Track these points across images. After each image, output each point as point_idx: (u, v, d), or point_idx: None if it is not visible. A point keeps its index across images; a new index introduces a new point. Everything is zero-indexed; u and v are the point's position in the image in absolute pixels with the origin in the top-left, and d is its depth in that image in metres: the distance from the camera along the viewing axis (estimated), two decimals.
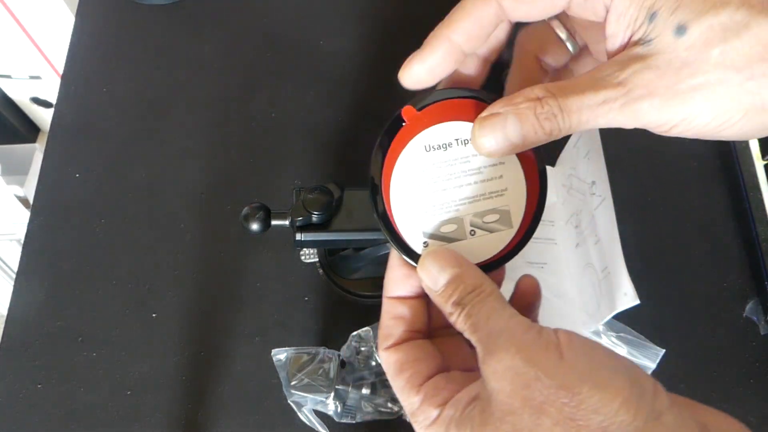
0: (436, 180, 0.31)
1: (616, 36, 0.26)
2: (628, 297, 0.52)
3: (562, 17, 0.31)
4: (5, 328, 0.53)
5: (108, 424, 0.51)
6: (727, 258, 0.58)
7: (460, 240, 0.31)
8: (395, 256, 0.31)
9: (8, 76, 1.27)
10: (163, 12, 0.68)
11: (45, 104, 1.35)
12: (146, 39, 0.67)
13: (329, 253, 0.54)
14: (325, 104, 0.64)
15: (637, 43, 0.26)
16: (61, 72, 0.65)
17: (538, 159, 0.31)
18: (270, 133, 0.62)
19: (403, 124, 0.31)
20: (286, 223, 0.44)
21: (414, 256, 0.30)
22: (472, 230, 0.31)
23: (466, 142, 0.30)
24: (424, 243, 0.31)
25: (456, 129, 0.30)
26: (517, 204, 0.31)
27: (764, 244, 0.56)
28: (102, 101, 0.64)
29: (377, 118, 0.62)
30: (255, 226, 0.43)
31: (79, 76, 0.65)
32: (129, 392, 0.52)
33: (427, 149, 0.30)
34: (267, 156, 0.61)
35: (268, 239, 0.57)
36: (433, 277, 0.29)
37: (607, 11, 0.26)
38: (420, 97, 0.31)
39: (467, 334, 0.27)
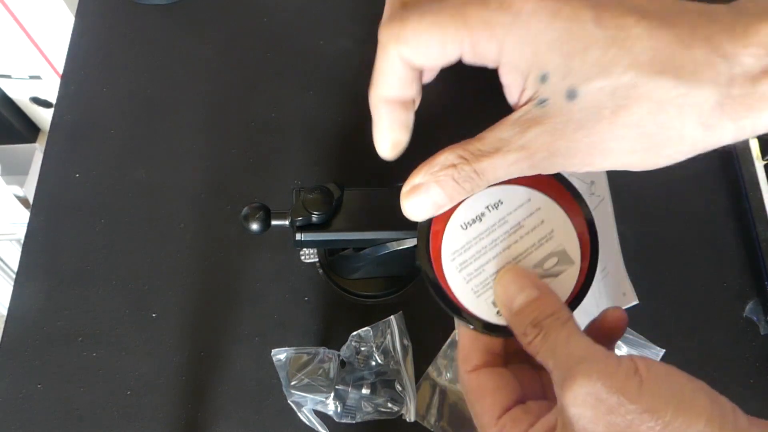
0: (485, 252, 0.31)
1: (510, 87, 0.27)
2: (626, 297, 0.52)
3: None
4: (5, 328, 0.53)
5: (108, 424, 0.51)
6: (727, 258, 0.58)
7: None
8: None
9: (8, 76, 1.27)
10: (163, 12, 0.68)
11: (45, 104, 1.35)
12: (146, 39, 0.67)
13: (329, 253, 0.54)
14: (325, 104, 0.64)
15: (531, 100, 0.26)
16: (61, 72, 0.66)
17: (565, 184, 0.32)
18: (270, 133, 0.62)
19: (432, 219, 0.31)
20: (286, 223, 0.44)
21: (495, 328, 0.31)
22: None
23: (497, 205, 0.31)
24: (497, 312, 0.31)
25: (481, 198, 0.31)
26: (569, 239, 0.32)
27: (764, 244, 0.56)
28: (102, 101, 0.63)
29: None
30: (255, 226, 0.43)
31: (79, 76, 0.65)
32: (129, 392, 0.52)
33: (464, 227, 0.31)
34: (267, 156, 0.61)
35: (268, 239, 0.57)
36: (511, 296, 0.29)
37: (498, 66, 0.27)
38: None
39: (543, 357, 0.27)
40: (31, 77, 1.27)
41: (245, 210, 0.43)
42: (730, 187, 0.60)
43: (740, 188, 0.58)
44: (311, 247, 0.53)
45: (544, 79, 0.25)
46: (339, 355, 0.49)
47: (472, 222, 0.31)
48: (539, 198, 0.31)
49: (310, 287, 0.55)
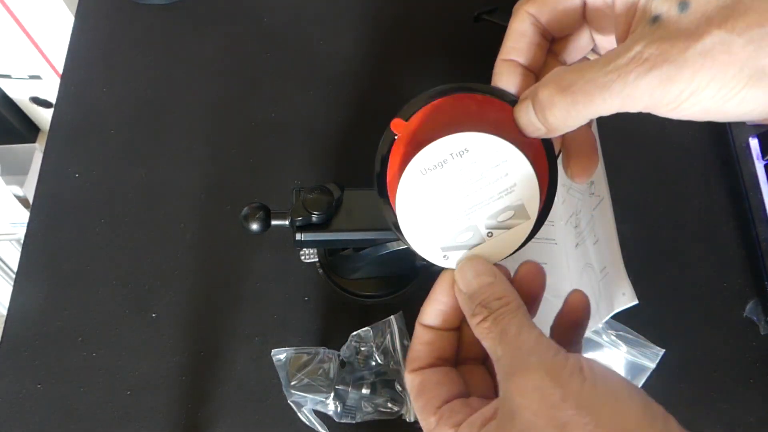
0: (440, 198, 0.31)
1: (622, 18, 0.28)
2: (626, 297, 0.52)
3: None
4: (5, 328, 0.53)
5: (108, 424, 0.51)
6: (727, 258, 0.58)
7: (478, 244, 0.32)
8: (442, 291, 0.32)
9: (8, 76, 1.27)
10: (163, 12, 0.68)
11: (45, 104, 1.35)
12: (146, 39, 0.67)
13: (329, 253, 0.54)
14: (325, 104, 0.64)
15: (642, 19, 0.27)
16: (61, 72, 0.66)
17: (545, 143, 0.32)
18: (270, 133, 0.62)
19: (396, 137, 0.31)
20: (286, 223, 0.44)
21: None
22: (488, 232, 0.32)
23: (462, 153, 0.30)
24: (444, 256, 0.32)
25: (447, 144, 0.30)
26: (530, 195, 0.31)
27: (764, 244, 0.56)
28: (102, 101, 0.64)
29: (377, 118, 0.62)
30: (255, 226, 0.43)
31: (79, 76, 0.65)
32: (129, 392, 0.52)
33: (424, 173, 0.30)
34: (267, 156, 0.61)
35: (268, 239, 0.57)
36: (467, 280, 0.31)
37: None
38: (406, 108, 0.31)
39: (490, 343, 0.28)
40: (31, 77, 1.27)
41: (245, 210, 0.43)
42: (730, 187, 0.60)
43: (740, 188, 0.58)
44: (311, 247, 0.53)
45: None
46: (339, 355, 0.49)
47: (433, 168, 0.30)
48: (508, 150, 0.30)
49: (310, 287, 0.55)
